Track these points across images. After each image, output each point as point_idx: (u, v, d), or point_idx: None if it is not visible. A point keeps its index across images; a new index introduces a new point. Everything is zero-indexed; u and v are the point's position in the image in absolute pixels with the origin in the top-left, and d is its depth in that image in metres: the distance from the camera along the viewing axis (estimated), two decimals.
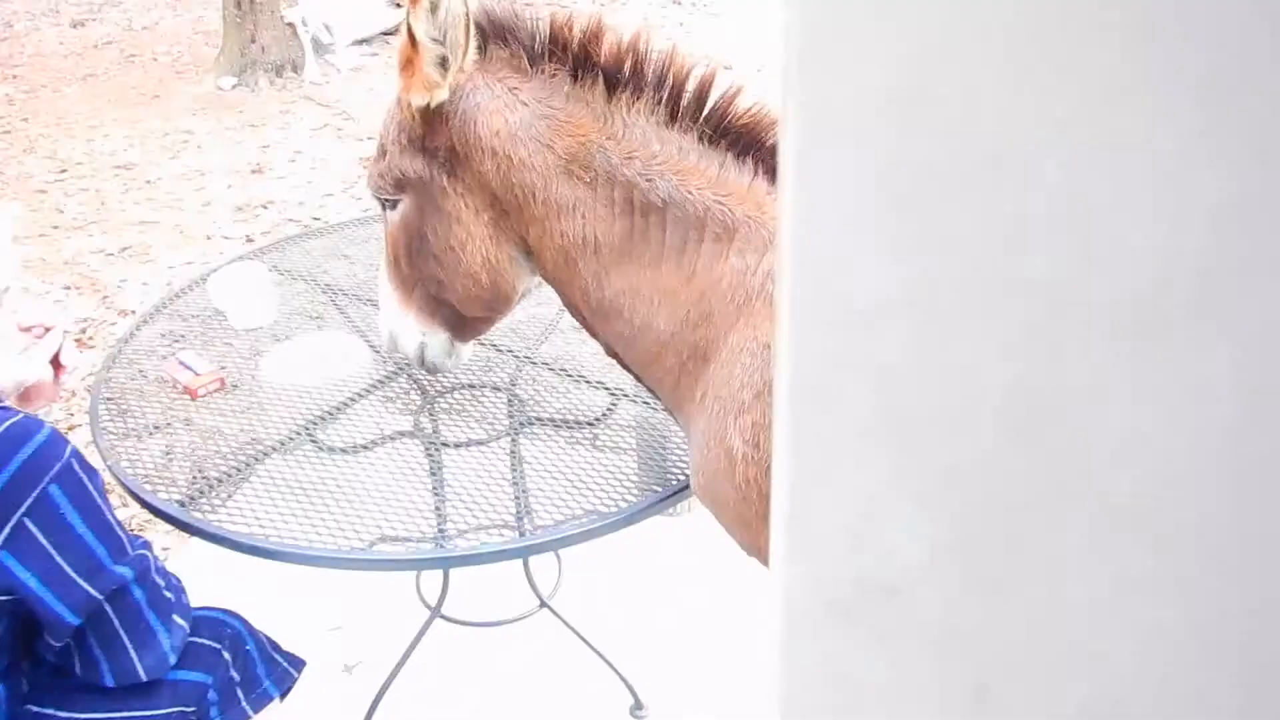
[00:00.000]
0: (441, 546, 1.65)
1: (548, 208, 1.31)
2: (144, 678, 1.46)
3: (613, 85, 1.28)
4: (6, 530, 1.33)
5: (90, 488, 1.41)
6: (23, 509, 1.33)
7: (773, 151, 1.30)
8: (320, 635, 2.41)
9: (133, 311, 4.09)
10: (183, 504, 1.65)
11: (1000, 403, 0.35)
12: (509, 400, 2.06)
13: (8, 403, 1.65)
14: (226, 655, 1.62)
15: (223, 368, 2.03)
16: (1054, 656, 0.38)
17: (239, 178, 5.66)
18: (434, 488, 1.83)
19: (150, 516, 1.73)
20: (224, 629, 1.65)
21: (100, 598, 1.40)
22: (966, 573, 0.38)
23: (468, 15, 1.22)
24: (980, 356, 0.35)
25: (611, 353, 1.50)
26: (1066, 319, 0.34)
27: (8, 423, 1.36)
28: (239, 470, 1.76)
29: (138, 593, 1.45)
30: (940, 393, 0.36)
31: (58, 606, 1.37)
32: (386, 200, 1.38)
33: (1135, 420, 0.34)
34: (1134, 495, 0.35)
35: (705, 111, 1.29)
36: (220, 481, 1.73)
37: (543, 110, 1.29)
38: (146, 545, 1.51)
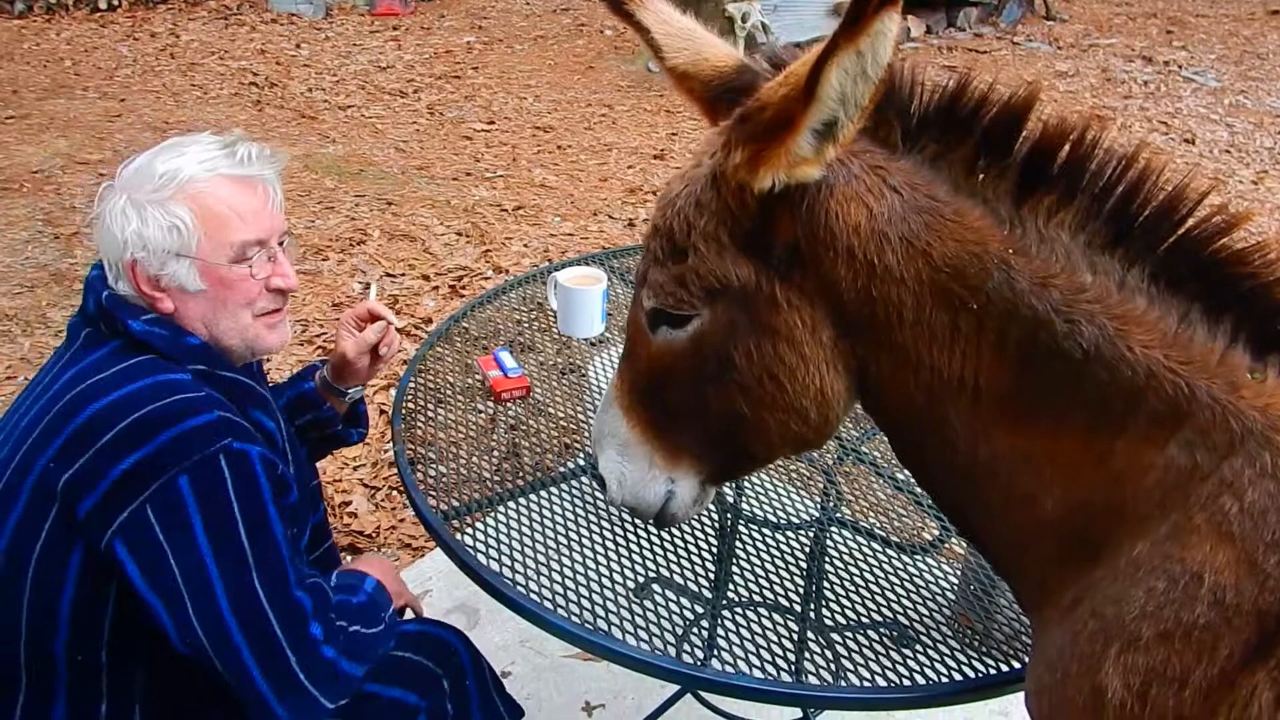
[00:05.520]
0: (714, 606, 1.46)
1: (917, 334, 0.95)
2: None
3: (1032, 182, 0.92)
4: (125, 515, 1.14)
5: (231, 494, 1.16)
6: (145, 495, 1.13)
7: (1271, 313, 0.89)
8: (560, 664, 2.26)
9: (507, 271, 4.23)
10: (446, 515, 1.54)
11: None
12: (824, 487, 1.78)
13: (324, 371, 1.61)
14: (446, 685, 1.48)
15: (532, 374, 1.92)
16: None
17: (641, 160, 5.74)
18: (719, 553, 1.60)
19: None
20: (449, 655, 1.51)
21: (202, 638, 1.16)
22: None
23: (890, 69, 0.82)
24: None
25: (957, 517, 1.12)
26: None
27: (178, 396, 1.18)
28: (515, 492, 1.62)
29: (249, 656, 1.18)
30: None
31: (165, 621, 1.17)
32: (678, 315, 1.02)
33: None
34: None
35: (1173, 239, 0.91)
36: (491, 503, 1.59)
37: (919, 201, 0.94)
38: (318, 587, 1.27)
